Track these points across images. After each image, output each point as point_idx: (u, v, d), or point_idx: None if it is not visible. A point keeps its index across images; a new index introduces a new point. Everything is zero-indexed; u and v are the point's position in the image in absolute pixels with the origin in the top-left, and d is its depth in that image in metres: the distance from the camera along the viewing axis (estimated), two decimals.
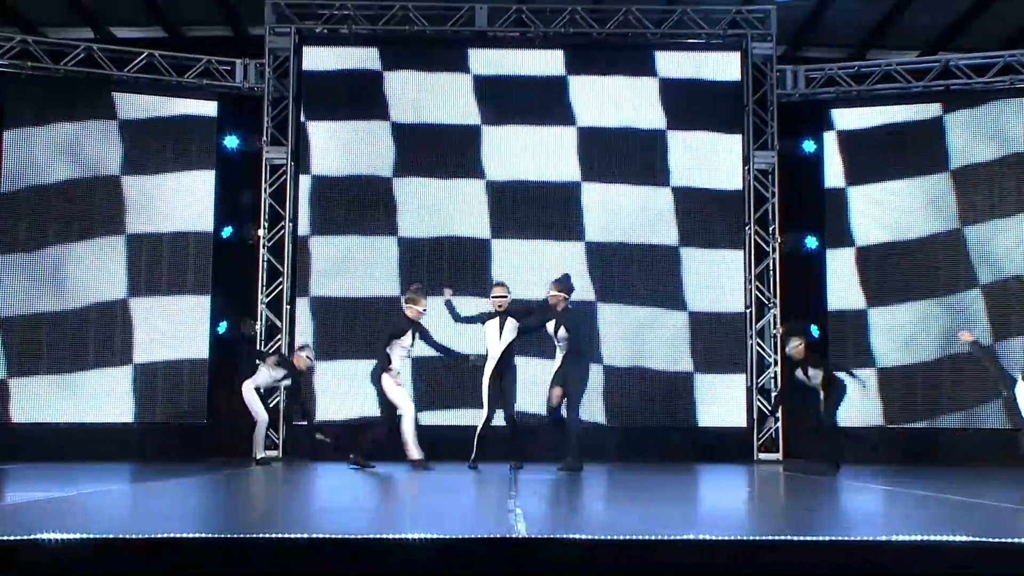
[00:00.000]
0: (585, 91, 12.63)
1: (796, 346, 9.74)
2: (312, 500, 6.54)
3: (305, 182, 12.40)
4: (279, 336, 12.14)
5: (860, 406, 12.15)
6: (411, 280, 10.85)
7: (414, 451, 9.26)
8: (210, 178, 12.49)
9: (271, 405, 11.45)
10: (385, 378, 9.31)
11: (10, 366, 11.92)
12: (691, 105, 12.62)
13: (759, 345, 12.32)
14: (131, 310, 12.14)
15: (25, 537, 3.16)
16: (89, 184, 12.26)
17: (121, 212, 12.27)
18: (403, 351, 9.48)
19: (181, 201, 12.41)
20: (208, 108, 12.71)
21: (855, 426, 12.03)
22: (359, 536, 3.27)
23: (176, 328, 12.25)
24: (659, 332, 12.19)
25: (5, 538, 3.16)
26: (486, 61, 12.67)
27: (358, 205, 12.36)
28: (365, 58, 12.63)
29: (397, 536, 3.16)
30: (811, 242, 12.76)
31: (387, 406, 9.40)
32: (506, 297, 9.52)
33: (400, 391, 9.50)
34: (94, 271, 12.13)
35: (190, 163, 12.48)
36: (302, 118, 12.43)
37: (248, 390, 10.58)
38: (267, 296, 12.25)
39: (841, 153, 12.77)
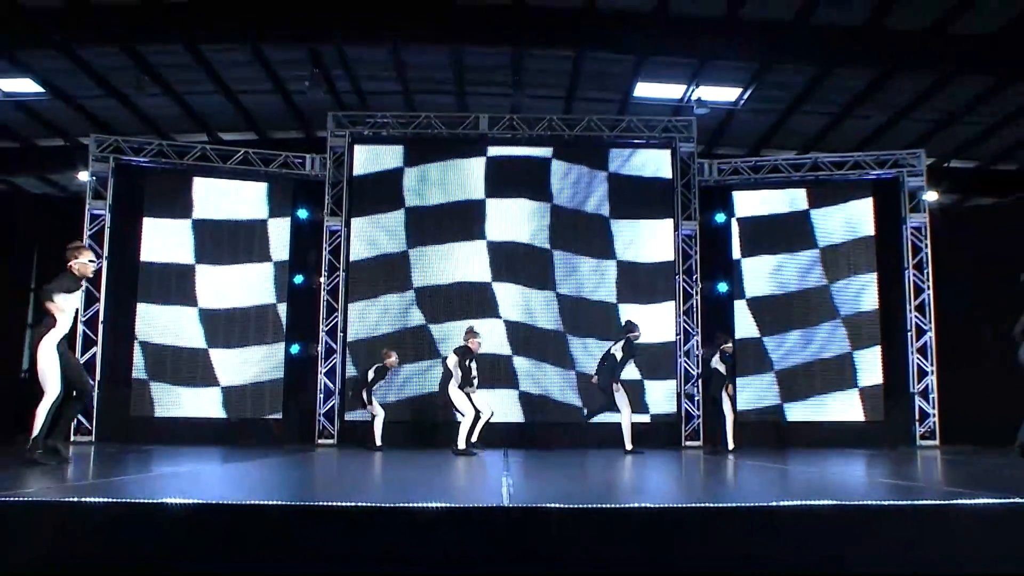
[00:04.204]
0: (560, 175, 12.62)
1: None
2: (368, 475, 6.44)
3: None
4: (335, 355, 12.11)
5: (759, 402, 12.28)
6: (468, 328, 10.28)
7: (462, 442, 9.17)
8: (267, 270, 12.50)
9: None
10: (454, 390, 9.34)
11: (149, 372, 11.94)
12: (635, 191, 12.62)
13: (685, 362, 12.32)
14: (219, 356, 12.22)
15: (155, 500, 3.18)
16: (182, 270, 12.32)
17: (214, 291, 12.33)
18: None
19: (256, 285, 12.45)
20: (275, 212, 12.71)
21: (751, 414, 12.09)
22: (391, 505, 3.24)
23: (263, 358, 12.35)
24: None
25: (144, 501, 3.18)
26: (494, 149, 12.69)
27: (386, 273, 12.34)
28: (395, 158, 12.62)
29: (414, 505, 3.13)
30: (722, 287, 12.83)
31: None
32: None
33: (465, 400, 9.39)
34: (194, 330, 12.21)
35: (266, 256, 12.54)
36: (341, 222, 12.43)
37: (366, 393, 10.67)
38: (326, 326, 12.21)
39: (741, 232, 12.94)
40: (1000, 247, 12.45)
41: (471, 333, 9.66)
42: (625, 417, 9.69)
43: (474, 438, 9.35)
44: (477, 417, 9.46)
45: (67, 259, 6.26)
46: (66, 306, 6.14)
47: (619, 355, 9.73)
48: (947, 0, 10.06)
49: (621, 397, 9.65)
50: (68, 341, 6.27)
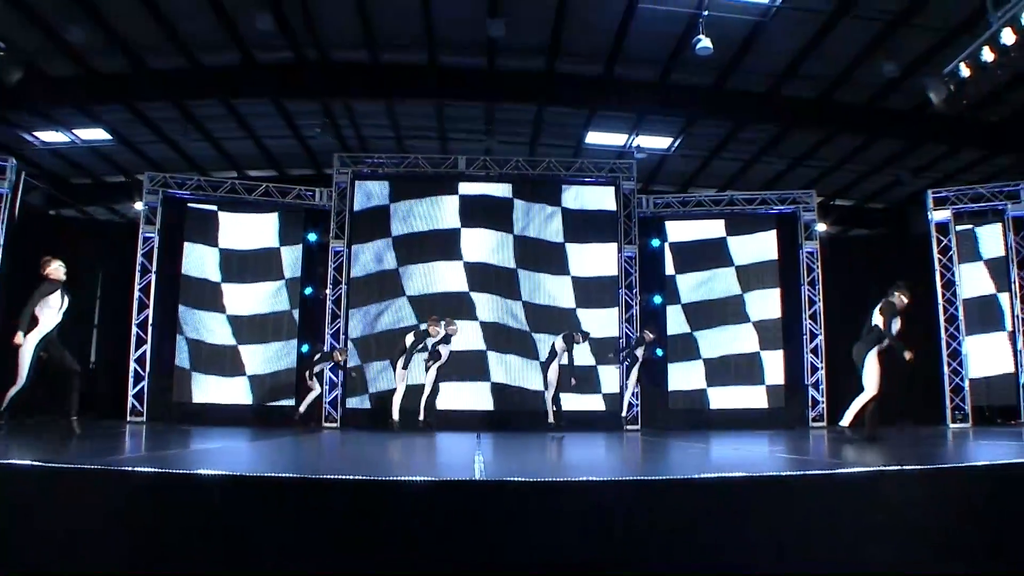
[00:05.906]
0: (520, 210, 12.58)
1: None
2: (369, 452, 6.36)
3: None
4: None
5: (688, 385, 12.31)
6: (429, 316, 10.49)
7: (396, 413, 9.08)
8: (282, 284, 12.32)
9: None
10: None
11: (192, 363, 11.75)
12: (586, 221, 12.65)
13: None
14: (247, 351, 12.03)
15: (190, 471, 3.16)
16: (212, 286, 12.11)
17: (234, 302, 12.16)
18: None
19: (273, 296, 12.29)
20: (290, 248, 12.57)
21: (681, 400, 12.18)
22: (378, 479, 3.22)
23: (280, 352, 12.17)
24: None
25: (182, 471, 3.18)
26: (466, 187, 12.59)
27: (380, 286, 12.21)
28: (387, 194, 12.49)
29: (402, 478, 3.13)
30: (657, 299, 12.94)
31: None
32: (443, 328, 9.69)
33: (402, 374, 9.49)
34: (224, 332, 12.03)
35: (280, 275, 12.36)
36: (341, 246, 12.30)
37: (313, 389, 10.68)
38: (331, 329, 12.09)
39: (673, 254, 13.04)
40: (872, 268, 12.79)
41: (433, 321, 9.65)
42: (549, 393, 10.10)
43: (397, 414, 9.11)
44: (434, 393, 9.37)
45: (42, 271, 6.15)
46: (49, 307, 6.09)
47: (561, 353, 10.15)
48: (828, 77, 10.49)
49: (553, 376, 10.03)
50: (59, 332, 6.20)
